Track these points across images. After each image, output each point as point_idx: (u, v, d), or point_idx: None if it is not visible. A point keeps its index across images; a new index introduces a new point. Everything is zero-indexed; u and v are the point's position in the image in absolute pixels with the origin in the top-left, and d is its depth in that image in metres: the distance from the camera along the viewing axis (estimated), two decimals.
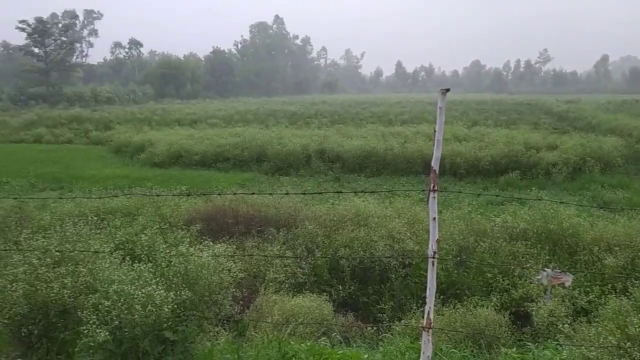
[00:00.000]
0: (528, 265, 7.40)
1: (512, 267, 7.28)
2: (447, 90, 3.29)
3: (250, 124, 33.05)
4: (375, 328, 5.57)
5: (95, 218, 6.61)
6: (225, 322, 5.10)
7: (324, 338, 4.98)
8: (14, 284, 4.18)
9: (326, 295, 6.73)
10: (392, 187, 16.24)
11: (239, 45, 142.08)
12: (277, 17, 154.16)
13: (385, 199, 11.25)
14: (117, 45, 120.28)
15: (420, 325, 3.55)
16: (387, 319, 6.48)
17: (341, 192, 6.20)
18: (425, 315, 3.36)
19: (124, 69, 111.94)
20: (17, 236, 5.43)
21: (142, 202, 9.67)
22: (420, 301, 6.60)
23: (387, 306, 6.87)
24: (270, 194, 8.58)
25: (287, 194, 7.89)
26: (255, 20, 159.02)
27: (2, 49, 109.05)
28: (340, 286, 7.33)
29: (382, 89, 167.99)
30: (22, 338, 4.22)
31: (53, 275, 4.26)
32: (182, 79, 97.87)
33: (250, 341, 4.59)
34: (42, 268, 4.29)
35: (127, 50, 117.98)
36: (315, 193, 6.07)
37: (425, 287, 3.35)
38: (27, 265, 4.31)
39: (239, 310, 5.29)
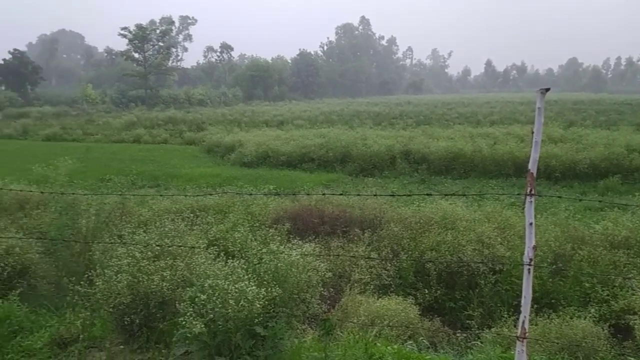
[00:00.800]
0: (630, 276, 6.91)
1: (613, 277, 6.83)
2: (547, 89, 3.14)
3: (335, 125, 33.32)
4: (463, 335, 5.42)
5: (191, 215, 6.93)
6: (311, 320, 5.17)
7: (410, 342, 4.93)
8: (118, 275, 4.48)
9: (412, 299, 6.65)
10: (480, 190, 15.76)
11: (325, 47, 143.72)
12: (363, 18, 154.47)
13: (473, 202, 10.93)
14: (210, 49, 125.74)
15: (514, 335, 3.42)
16: (476, 326, 6.29)
17: (430, 195, 6.08)
18: (520, 325, 3.23)
19: (215, 72, 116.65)
20: (120, 230, 5.82)
21: (232, 201, 10.03)
22: (512, 309, 6.36)
23: (475, 313, 6.68)
24: (358, 195, 8.61)
25: (375, 195, 7.88)
26: (342, 22, 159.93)
27: (106, 54, 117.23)
28: (426, 290, 7.21)
29: (470, 88, 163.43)
30: (125, 326, 4.52)
31: (153, 268, 4.53)
32: (269, 81, 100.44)
33: (336, 341, 4.63)
34: (144, 261, 4.57)
35: (218, 54, 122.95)
36: (404, 195, 6.00)
37: (518, 294, 3.22)
38: (130, 258, 4.61)
39: (325, 309, 5.35)
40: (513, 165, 17.83)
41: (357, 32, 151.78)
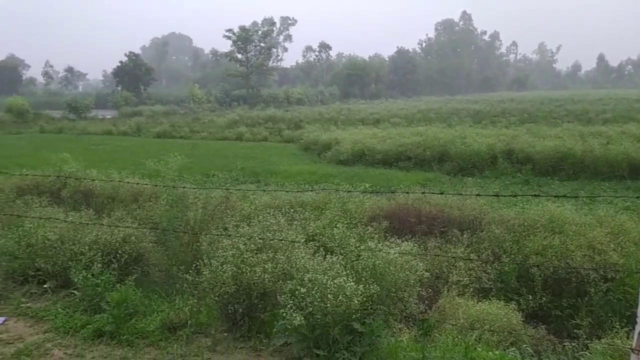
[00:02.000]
0: None
1: None
2: None
3: (433, 123, 32.65)
4: (571, 344, 5.11)
5: (291, 210, 7.11)
6: (408, 319, 5.12)
7: (513, 349, 4.73)
8: (224, 266, 4.70)
9: (514, 304, 6.36)
10: (591, 192, 14.74)
11: (424, 44, 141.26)
12: (464, 13, 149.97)
13: (583, 206, 10.26)
14: (309, 49, 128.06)
15: (628, 347, 3.18)
16: (585, 336, 5.90)
17: (538, 196, 5.78)
18: (636, 336, 3.00)
19: (313, 71, 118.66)
20: (225, 223, 6.11)
21: (329, 198, 10.15)
22: (624, 320, 5.90)
23: (584, 322, 6.27)
24: (459, 194, 8.36)
25: (477, 195, 7.62)
26: (441, 18, 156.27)
27: (211, 56, 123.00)
28: (529, 296, 6.87)
29: (580, 84, 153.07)
30: (228, 314, 4.74)
31: (256, 260, 4.70)
32: (366, 79, 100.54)
33: (434, 342, 4.55)
34: (247, 253, 4.76)
35: (317, 53, 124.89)
36: (510, 195, 5.74)
37: (631, 304, 2.98)
38: (235, 250, 4.82)
39: (422, 310, 5.27)
40: (628, 166, 16.55)
41: (457, 27, 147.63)
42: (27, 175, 9.75)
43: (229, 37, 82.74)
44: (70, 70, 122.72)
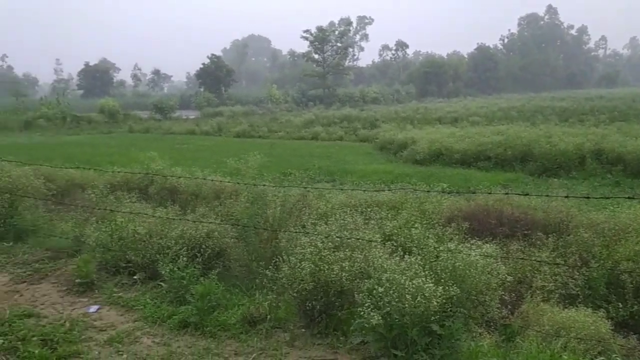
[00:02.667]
0: None
1: None
2: None
3: (515, 122, 31.39)
4: None
5: (368, 209, 7.10)
6: (489, 324, 4.97)
7: (601, 358, 4.47)
8: (302, 263, 4.78)
9: (603, 312, 6.01)
10: None
11: (505, 40, 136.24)
12: (549, 7, 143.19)
13: None
14: (385, 47, 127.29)
15: None
16: None
17: (632, 198, 5.41)
18: None
19: (389, 70, 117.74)
20: (304, 221, 6.20)
21: (405, 197, 10.04)
22: None
23: None
24: (546, 195, 8.01)
25: (566, 197, 7.26)
26: (525, 12, 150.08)
27: (289, 56, 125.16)
28: (619, 304, 6.46)
29: None
30: (306, 311, 4.81)
31: (333, 258, 4.75)
32: (444, 77, 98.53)
33: (516, 348, 4.39)
34: (325, 251, 4.82)
35: (393, 51, 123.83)
36: (601, 197, 5.43)
37: None
38: (312, 247, 4.89)
39: (505, 315, 5.10)
40: None
41: (542, 22, 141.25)
42: (118, 172, 10.35)
43: (306, 38, 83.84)
44: (156, 72, 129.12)
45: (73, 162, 12.52)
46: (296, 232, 5.79)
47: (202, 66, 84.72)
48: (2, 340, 4.68)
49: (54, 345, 4.56)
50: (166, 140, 31.12)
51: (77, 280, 6.07)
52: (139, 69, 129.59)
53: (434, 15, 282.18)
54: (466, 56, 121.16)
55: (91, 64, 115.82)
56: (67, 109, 48.98)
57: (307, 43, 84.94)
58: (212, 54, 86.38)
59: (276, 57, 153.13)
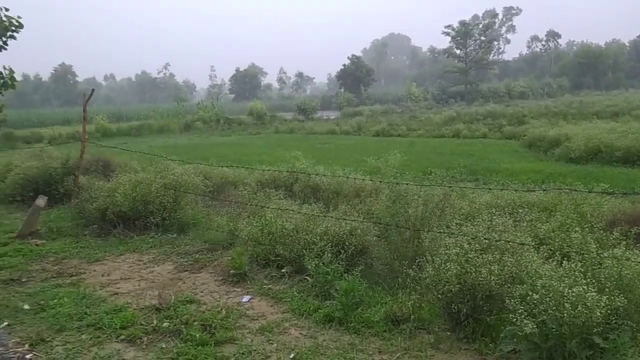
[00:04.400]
0: None
1: None
2: None
3: None
4: None
5: (519, 211, 6.72)
6: None
7: None
8: (447, 264, 4.65)
9: None
10: None
11: None
12: None
13: None
14: (534, 38, 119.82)
15: None
16: None
17: None
18: None
19: (538, 63, 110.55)
20: (448, 221, 6.02)
21: (559, 198, 9.32)
22: None
23: None
24: None
25: None
26: None
27: (429, 53, 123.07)
28: None
29: None
30: (451, 314, 4.67)
31: (481, 261, 4.55)
32: (601, 68, 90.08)
33: None
34: (471, 253, 4.63)
35: (543, 42, 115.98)
36: None
37: None
38: (458, 249, 4.73)
39: None
40: None
41: None
42: (265, 170, 10.92)
43: (447, 34, 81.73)
44: (300, 75, 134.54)
45: (226, 161, 13.47)
46: (440, 232, 5.66)
47: (342, 67, 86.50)
48: (168, 323, 5.17)
49: (212, 330, 4.94)
50: (309, 140, 32.24)
51: (231, 271, 6.52)
52: (284, 73, 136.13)
53: (591, 2, 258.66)
54: (627, 44, 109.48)
55: (241, 69, 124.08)
56: (220, 112, 52.95)
57: (448, 39, 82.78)
58: (352, 55, 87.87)
59: (416, 55, 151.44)
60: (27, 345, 4.85)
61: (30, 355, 4.68)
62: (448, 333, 4.73)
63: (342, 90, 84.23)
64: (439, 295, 4.71)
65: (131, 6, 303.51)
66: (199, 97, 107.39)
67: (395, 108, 65.50)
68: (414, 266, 5.15)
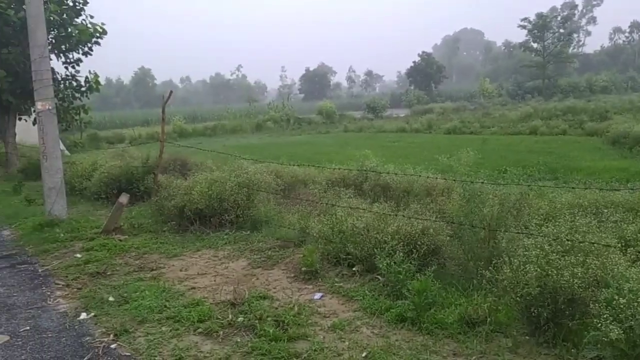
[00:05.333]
0: None
1: None
2: None
3: None
4: None
5: (605, 211, 6.38)
6: None
7: None
8: (526, 266, 4.47)
9: None
10: None
11: None
12: None
13: None
14: (617, 30, 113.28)
15: None
16: None
17: None
18: None
19: (621, 55, 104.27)
20: (526, 221, 5.80)
21: None
22: None
23: None
24: None
25: None
26: None
27: (503, 48, 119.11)
28: None
29: None
30: (530, 317, 4.49)
31: (563, 263, 4.34)
32: None
33: None
34: (553, 254, 4.43)
35: (627, 34, 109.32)
36: None
37: None
38: (538, 250, 4.54)
39: None
40: None
41: None
42: (335, 169, 10.96)
43: (523, 27, 78.48)
44: (369, 73, 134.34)
45: (296, 160, 13.65)
46: (517, 233, 5.45)
47: (412, 64, 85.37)
48: (242, 318, 5.31)
49: (285, 327, 5.02)
50: (378, 139, 32.05)
51: (303, 269, 6.59)
52: (353, 71, 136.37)
53: None
54: None
55: (311, 69, 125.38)
56: (290, 111, 53.79)
57: (524, 32, 79.53)
58: (423, 52, 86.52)
59: (489, 49, 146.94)
60: (111, 336, 5.12)
61: (115, 345, 4.94)
62: (527, 337, 4.55)
63: (412, 87, 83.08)
64: (517, 298, 4.53)
65: (205, 11, 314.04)
66: (270, 97, 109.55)
67: (467, 105, 63.85)
68: (490, 267, 4.99)
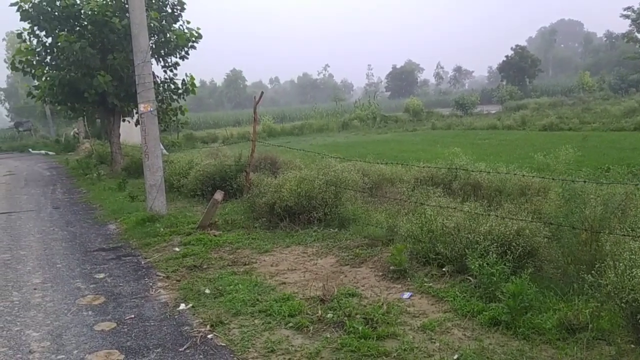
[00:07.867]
0: None
1: None
2: None
3: None
4: None
5: None
6: None
7: None
8: (633, 270, 4.18)
9: None
10: None
11: None
12: None
13: None
14: None
15: None
16: None
17: None
18: None
19: None
20: (632, 223, 5.41)
21: None
22: None
23: None
24: None
25: None
26: None
27: (605, 39, 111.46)
28: None
29: None
30: (637, 325, 4.19)
31: None
32: None
33: None
34: None
35: None
36: None
37: None
38: None
39: None
40: None
41: None
42: (423, 167, 10.80)
43: (627, 16, 72.91)
44: (458, 69, 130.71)
45: (382, 158, 13.58)
46: (623, 235, 5.10)
47: (505, 59, 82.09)
48: (331, 314, 5.37)
49: (374, 325, 5.02)
50: (467, 136, 31.15)
51: (391, 267, 6.56)
52: (442, 67, 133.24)
53: None
54: None
55: (397, 66, 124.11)
56: (377, 109, 53.54)
57: (627, 22, 73.90)
58: (516, 45, 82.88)
59: (589, 41, 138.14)
60: (208, 326, 5.37)
61: (212, 335, 5.18)
62: (632, 346, 4.25)
63: (504, 83, 79.83)
64: (622, 304, 4.25)
65: (292, 13, 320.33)
66: (356, 95, 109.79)
67: (565, 100, 60.36)
68: (592, 271, 4.71)
